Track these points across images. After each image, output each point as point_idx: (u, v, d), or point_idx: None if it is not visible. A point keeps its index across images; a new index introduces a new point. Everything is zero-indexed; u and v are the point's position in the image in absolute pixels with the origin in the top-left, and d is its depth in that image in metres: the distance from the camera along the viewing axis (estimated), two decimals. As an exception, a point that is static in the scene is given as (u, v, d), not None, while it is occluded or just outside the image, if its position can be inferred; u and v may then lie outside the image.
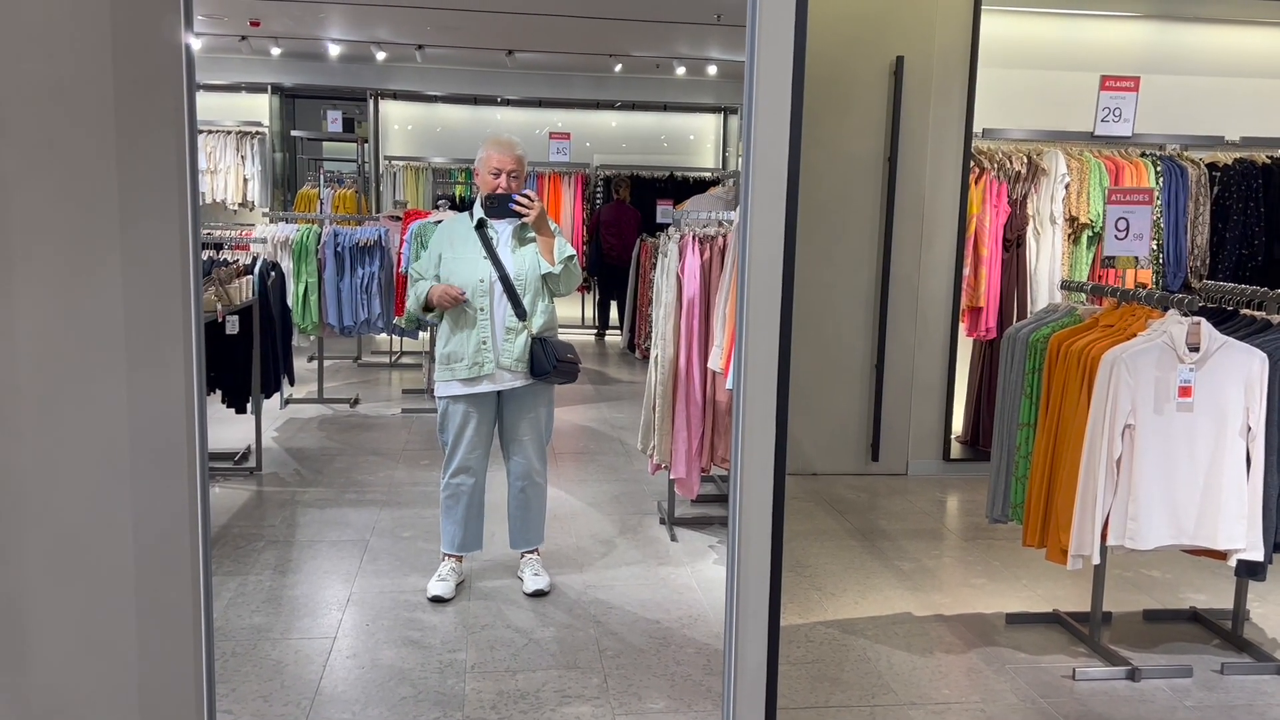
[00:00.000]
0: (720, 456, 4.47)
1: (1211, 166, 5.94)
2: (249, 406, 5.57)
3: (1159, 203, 5.76)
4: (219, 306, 5.07)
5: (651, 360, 4.61)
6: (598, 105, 12.00)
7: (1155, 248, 5.81)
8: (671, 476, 4.51)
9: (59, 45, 1.92)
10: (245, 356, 5.48)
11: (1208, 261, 5.92)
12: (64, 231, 1.97)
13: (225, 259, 5.72)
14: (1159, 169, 5.80)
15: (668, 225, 5.73)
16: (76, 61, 1.93)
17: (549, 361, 3.78)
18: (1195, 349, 3.16)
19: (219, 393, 5.52)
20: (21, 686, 2.07)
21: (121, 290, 1.99)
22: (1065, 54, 6.13)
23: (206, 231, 6.89)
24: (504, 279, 3.75)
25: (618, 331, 10.53)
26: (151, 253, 1.99)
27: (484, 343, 3.75)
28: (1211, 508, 3.20)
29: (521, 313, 3.76)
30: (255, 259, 5.81)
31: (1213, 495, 3.20)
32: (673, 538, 4.62)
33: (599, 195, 11.41)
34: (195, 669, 2.12)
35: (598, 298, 11.16)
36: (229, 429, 5.90)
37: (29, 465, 2.01)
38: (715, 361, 4.24)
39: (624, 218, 10.51)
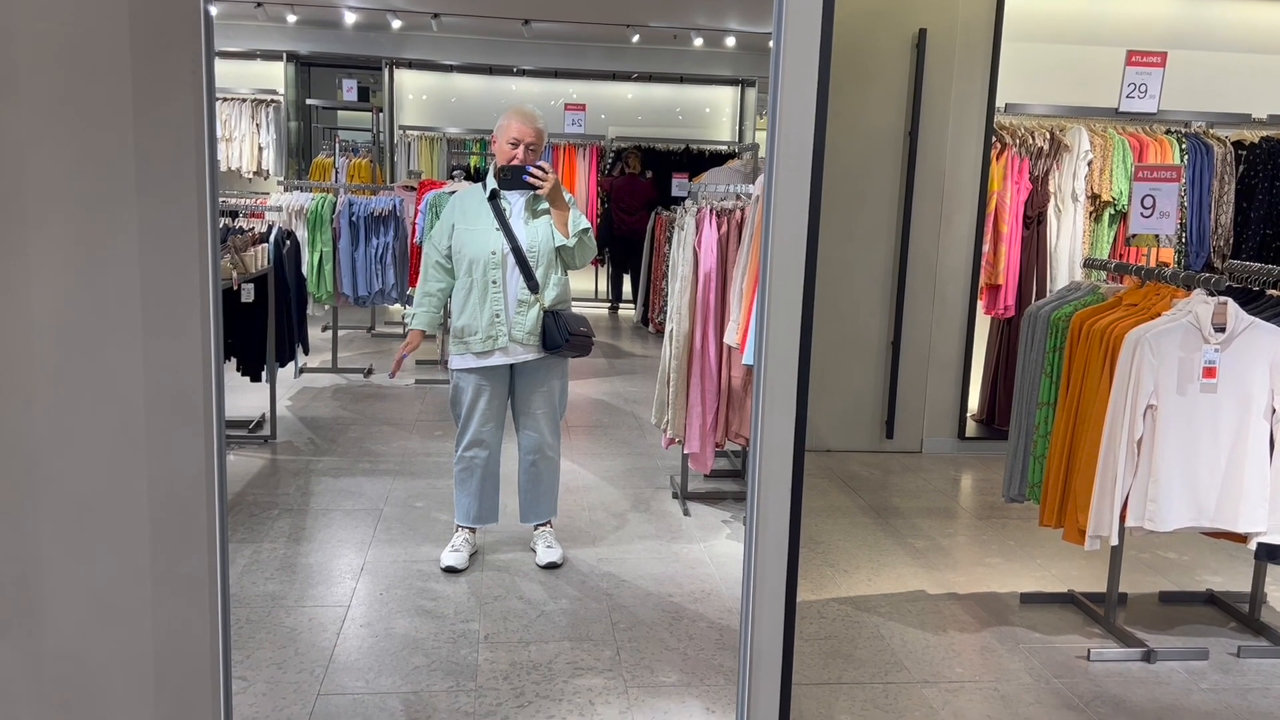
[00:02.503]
0: (734, 431, 4.45)
1: (1238, 145, 5.85)
2: (264, 375, 5.57)
3: (1183, 181, 5.68)
4: (234, 274, 5.06)
5: (666, 334, 4.58)
6: (614, 76, 11.90)
7: (1179, 227, 5.74)
8: (685, 451, 4.50)
9: (76, 6, 1.89)
10: (260, 325, 5.48)
11: (1231, 241, 5.85)
12: (80, 196, 1.95)
13: (240, 227, 5.70)
14: (1184, 146, 5.72)
15: (683, 198, 5.69)
16: (93, 23, 1.90)
17: (561, 335, 3.75)
18: (1221, 329, 3.12)
19: (234, 361, 5.52)
20: (37, 652, 2.07)
21: (138, 256, 1.97)
22: (1090, 28, 6.03)
23: (222, 199, 6.87)
24: (516, 251, 3.72)
25: (631, 305, 10.50)
26: (169, 218, 1.97)
27: (497, 316, 3.72)
28: (1233, 490, 3.17)
29: (534, 285, 3.74)
30: (270, 227, 5.80)
31: (1234, 477, 3.17)
32: (685, 512, 4.62)
33: (610, 167, 11.35)
34: (211, 635, 2.13)
35: (610, 271, 11.13)
36: (244, 397, 5.91)
37: (45, 432, 2.00)
38: (731, 336, 4.21)
39: (635, 190, 10.45)
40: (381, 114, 11.72)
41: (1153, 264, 3.70)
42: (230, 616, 2.22)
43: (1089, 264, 4.14)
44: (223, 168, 10.87)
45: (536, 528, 4.06)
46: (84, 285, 1.97)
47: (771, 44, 2.15)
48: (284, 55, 11.15)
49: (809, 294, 2.20)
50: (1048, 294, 5.22)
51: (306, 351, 6.52)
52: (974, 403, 6.08)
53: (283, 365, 5.83)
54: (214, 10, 2.01)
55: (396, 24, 10.31)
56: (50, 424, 2.00)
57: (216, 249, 2.03)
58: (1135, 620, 3.65)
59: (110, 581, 2.08)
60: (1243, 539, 3.25)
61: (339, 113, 12.75)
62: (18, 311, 1.96)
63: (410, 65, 11.58)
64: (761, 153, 10.84)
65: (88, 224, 1.95)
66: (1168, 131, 5.79)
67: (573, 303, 3.97)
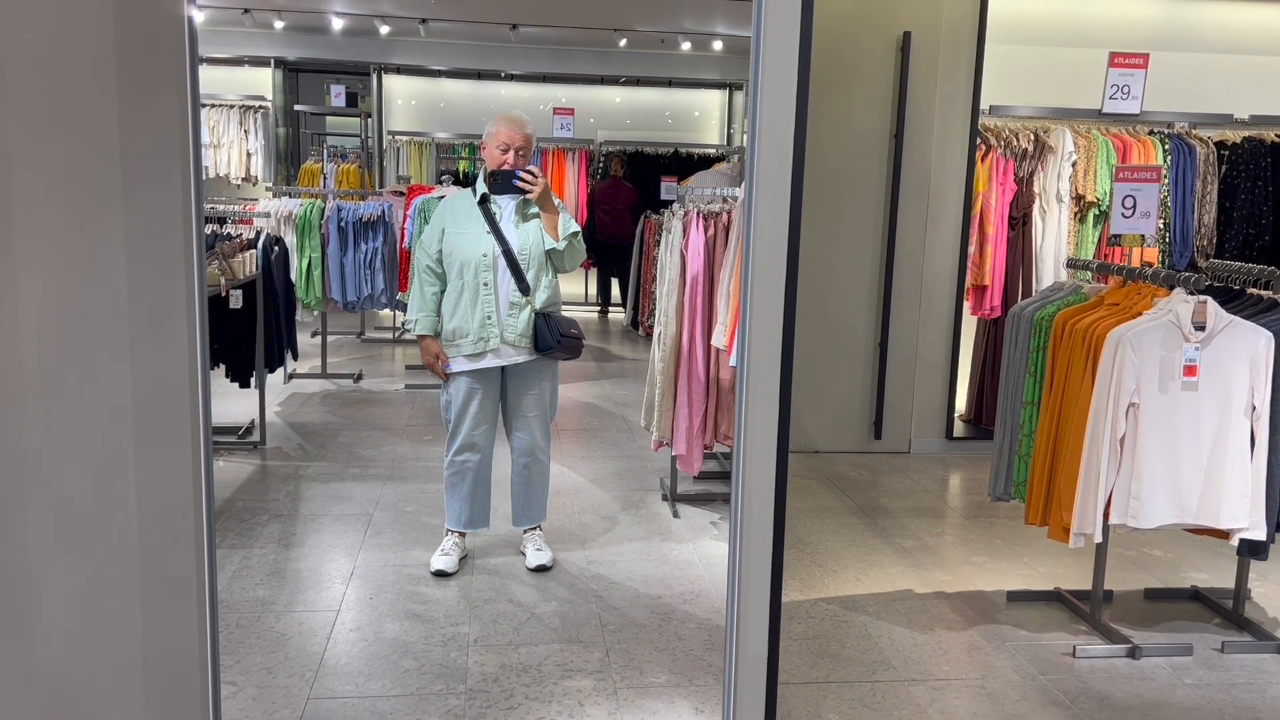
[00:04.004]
0: (723, 433, 4.47)
1: (1220, 145, 5.90)
2: (253, 381, 5.57)
3: (1166, 181, 5.73)
4: (223, 280, 5.06)
5: (654, 337, 4.60)
6: (602, 80, 11.93)
7: (1162, 226, 5.78)
8: (674, 453, 4.52)
9: (60, 16, 1.91)
10: (249, 331, 5.48)
11: (1214, 240, 5.90)
12: (66, 204, 1.96)
13: (229, 233, 5.71)
14: (1167, 147, 5.76)
15: (671, 202, 5.71)
16: (78, 32, 1.92)
17: (553, 336, 3.77)
18: (1201, 328, 3.15)
19: (223, 367, 5.52)
20: (27, 659, 2.08)
21: (125, 263, 1.98)
22: (1074, 30, 6.08)
23: (210, 206, 6.87)
24: (507, 254, 3.74)
25: (620, 308, 10.52)
26: (154, 225, 1.98)
27: (489, 318, 3.74)
28: (1214, 487, 3.20)
29: (525, 287, 3.76)
30: (259, 233, 5.80)
31: (1216, 474, 3.20)
32: (675, 514, 4.64)
33: (601, 171, 11.39)
34: (200, 641, 2.14)
35: (599, 275, 11.16)
36: (233, 403, 5.91)
37: (33, 439, 2.01)
38: (719, 339, 4.23)
39: (618, 195, 10.48)
40: (370, 119, 11.72)
41: (1136, 264, 3.74)
42: (219, 621, 2.23)
43: (1072, 264, 4.17)
44: (211, 174, 10.86)
45: (526, 531, 4.08)
46: (71, 292, 1.98)
47: (751, 46, 2.18)
48: (272, 61, 11.15)
49: (790, 295, 2.22)
50: (1032, 294, 5.26)
51: (295, 357, 6.52)
52: (961, 403, 6.11)
53: (272, 371, 5.83)
54: (200, 17, 2.03)
55: (385, 29, 10.32)
56: (38, 430, 2.01)
57: (202, 255, 2.05)
58: (1120, 617, 3.68)
59: (99, 587, 2.09)
60: (1225, 535, 3.28)
61: (327, 118, 12.75)
62: (5, 319, 1.97)
63: (399, 70, 11.58)
64: (750, 156, 10.85)
65: (74, 231, 1.97)
66: (1151, 132, 5.84)
67: (562, 306, 3.99)
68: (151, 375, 2.03)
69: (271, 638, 3.32)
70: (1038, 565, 4.16)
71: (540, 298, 3.79)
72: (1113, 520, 3.25)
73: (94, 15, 1.92)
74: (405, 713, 2.89)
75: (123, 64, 1.93)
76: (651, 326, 6.81)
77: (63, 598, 2.07)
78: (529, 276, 3.76)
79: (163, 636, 2.12)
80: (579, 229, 3.86)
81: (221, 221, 5.88)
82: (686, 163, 11.19)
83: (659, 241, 5.20)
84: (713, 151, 11.76)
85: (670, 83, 12.03)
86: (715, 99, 12.41)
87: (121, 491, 2.06)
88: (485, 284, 3.74)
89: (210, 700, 2.18)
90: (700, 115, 12.45)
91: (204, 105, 10.60)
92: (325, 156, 9.21)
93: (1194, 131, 5.92)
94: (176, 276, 2.00)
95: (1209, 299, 3.18)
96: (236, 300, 5.19)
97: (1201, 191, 5.83)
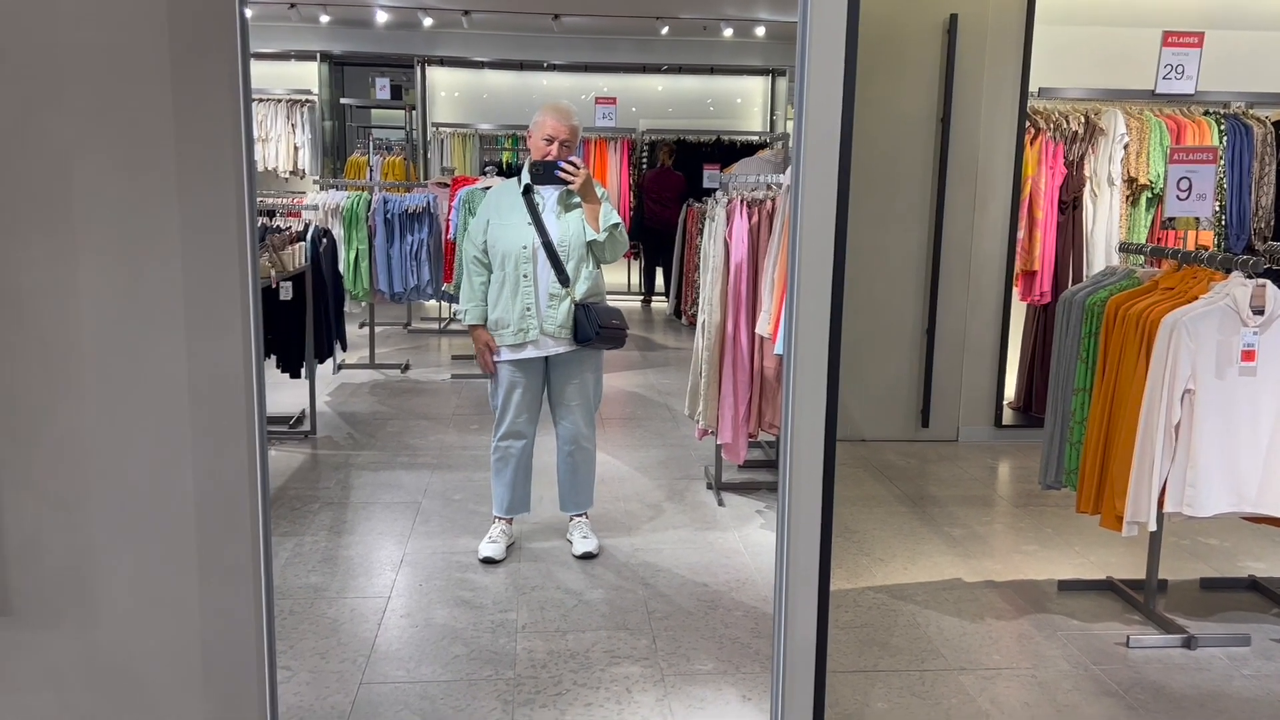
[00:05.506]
0: (768, 422, 4.46)
1: (1278, 125, 5.75)
2: (303, 372, 5.66)
3: (1222, 162, 5.60)
4: (273, 273, 5.14)
5: (699, 326, 4.60)
6: (644, 69, 11.90)
7: (1218, 209, 5.65)
8: (718, 442, 4.52)
9: (114, 13, 1.95)
10: (299, 322, 5.56)
11: (1272, 223, 5.75)
12: (124, 199, 2.00)
13: (278, 226, 5.79)
14: (1223, 128, 5.63)
15: (714, 190, 5.69)
16: (132, 29, 1.96)
17: (592, 328, 3.78)
18: (1260, 312, 3.08)
19: (274, 358, 5.61)
20: (91, 643, 2.14)
21: (180, 256, 2.02)
22: (1125, 9, 5.95)
23: (259, 199, 6.97)
24: (547, 245, 3.76)
25: (664, 297, 10.52)
26: (208, 219, 2.02)
27: (528, 309, 3.76)
28: (1274, 474, 3.13)
29: (564, 279, 3.77)
30: (307, 226, 5.88)
31: (1275, 461, 3.13)
32: (720, 502, 4.64)
33: (645, 160, 11.36)
34: (256, 626, 2.18)
35: (643, 264, 11.15)
36: (283, 393, 6.00)
37: (94, 429, 2.06)
38: (763, 327, 4.22)
39: (667, 183, 10.46)
40: (414, 111, 11.80)
41: (1191, 247, 3.66)
42: (274, 606, 2.28)
43: (1124, 248, 4.09)
44: (260, 168, 11.00)
45: (572, 518, 4.10)
46: (129, 286, 2.03)
47: (797, 32, 2.16)
48: (318, 55, 11.26)
49: (838, 282, 2.21)
50: (1083, 279, 5.17)
51: (344, 348, 6.61)
52: (1010, 390, 6.03)
53: (321, 362, 5.91)
54: (249, 13, 2.06)
55: (428, 22, 10.38)
56: (99, 421, 2.06)
57: (255, 248, 2.08)
58: (1175, 607, 3.62)
59: (159, 573, 2.14)
60: (1284, 524, 3.21)
61: (372, 111, 12.85)
62: (67, 312, 2.02)
63: (442, 62, 11.64)
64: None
65: (131, 226, 2.01)
66: (1206, 113, 5.70)
67: (606, 296, 3.99)
68: (207, 366, 2.07)
69: (324, 623, 3.38)
70: (1089, 554, 4.10)
71: (580, 289, 3.80)
72: (1168, 508, 3.19)
73: (148, 13, 1.95)
74: (455, 698, 2.93)
75: (176, 60, 1.97)
76: (694, 315, 6.81)
77: (124, 585, 2.13)
78: (569, 268, 3.78)
79: (220, 622, 2.17)
80: (620, 220, 3.86)
81: (271, 214, 5.96)
82: (729, 150, 11.13)
83: (701, 230, 5.19)
84: (755, 138, 11.69)
85: (712, 70, 11.97)
86: (758, 85, 12.33)
87: (180, 481, 2.10)
88: (525, 275, 3.76)
89: (266, 683, 2.22)
90: (743, 102, 12.38)
91: (252, 99, 10.73)
92: (371, 149, 9.29)
93: (1251, 111, 5.77)
94: (230, 269, 2.04)
95: (1268, 282, 3.11)
96: (287, 292, 5.27)
97: (1259, 172, 5.69)
